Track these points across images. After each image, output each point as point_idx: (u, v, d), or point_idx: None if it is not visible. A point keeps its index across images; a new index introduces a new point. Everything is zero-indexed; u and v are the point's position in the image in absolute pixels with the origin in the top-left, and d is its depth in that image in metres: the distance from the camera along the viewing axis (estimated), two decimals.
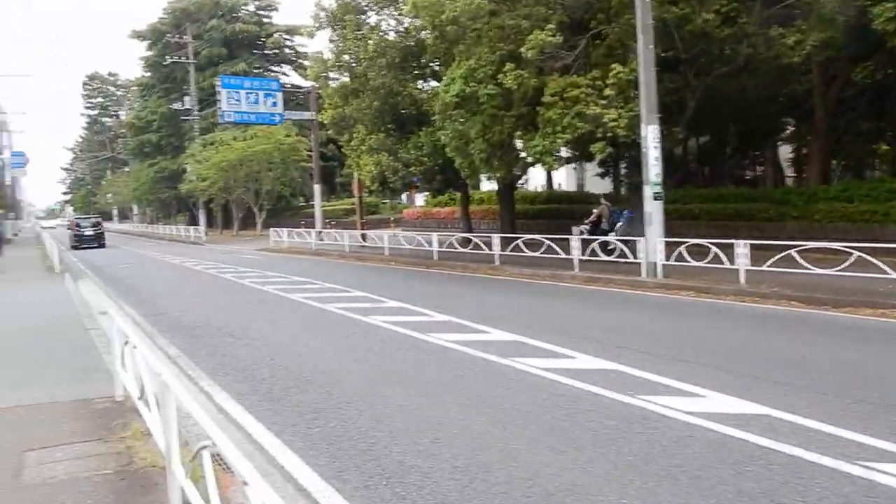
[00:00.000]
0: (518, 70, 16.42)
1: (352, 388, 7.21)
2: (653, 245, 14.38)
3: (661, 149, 14.58)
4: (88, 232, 41.25)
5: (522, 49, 15.86)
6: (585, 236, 17.72)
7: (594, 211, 19.36)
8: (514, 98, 17.47)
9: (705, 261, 13.98)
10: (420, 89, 25.13)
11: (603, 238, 17.57)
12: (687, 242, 14.49)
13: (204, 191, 45.98)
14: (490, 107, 17.67)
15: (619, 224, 18.27)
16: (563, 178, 42.36)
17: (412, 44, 22.97)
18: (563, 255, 17.31)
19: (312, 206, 37.92)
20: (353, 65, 23.49)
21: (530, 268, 17.49)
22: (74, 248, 39.61)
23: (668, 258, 14.43)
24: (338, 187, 55.55)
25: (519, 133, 18.86)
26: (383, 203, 49.57)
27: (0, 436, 5.57)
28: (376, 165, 24.36)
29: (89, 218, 46.53)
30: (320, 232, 31.65)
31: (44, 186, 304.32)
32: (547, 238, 18.21)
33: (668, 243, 14.56)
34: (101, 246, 40.86)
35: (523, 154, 21.11)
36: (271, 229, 35.65)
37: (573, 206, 26.52)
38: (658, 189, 14.40)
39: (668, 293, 13.23)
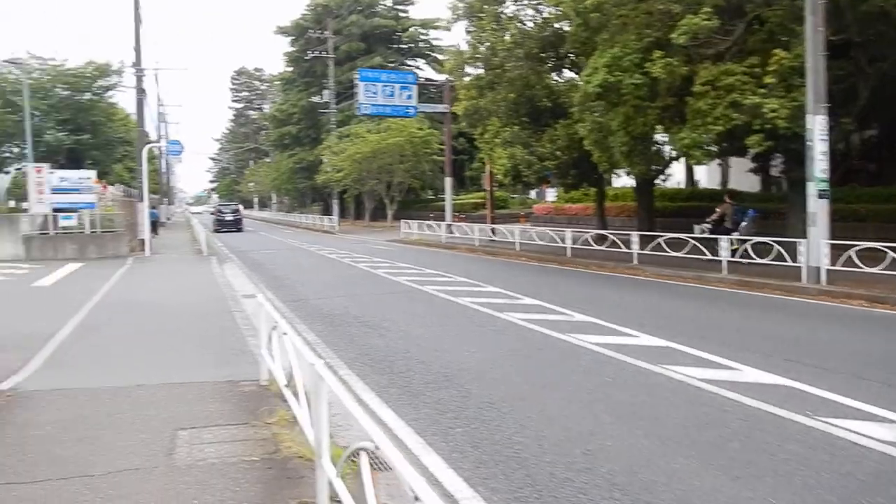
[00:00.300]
0: (667, 58, 15.53)
1: (492, 387, 6.89)
2: (816, 247, 13.15)
3: (828, 142, 13.31)
4: (228, 217, 45.91)
5: (673, 35, 14.95)
6: (707, 235, 17.23)
7: (716, 209, 18.81)
8: (660, 88, 16.57)
9: (879, 267, 12.64)
10: (557, 81, 24.55)
11: (725, 237, 16.81)
12: (858, 246, 13.11)
13: (338, 182, 47.33)
14: (634, 97, 16.84)
15: (742, 223, 17.46)
16: (704, 175, 40.27)
17: (550, 34, 22.41)
18: (709, 256, 16.31)
19: (441, 200, 38.11)
20: (490, 56, 23.20)
21: (671, 268, 16.57)
22: (216, 231, 43.30)
23: (832, 263, 13.18)
24: (467, 181, 55.66)
25: (663, 125, 17.94)
26: (512, 198, 49.17)
27: (155, 412, 5.68)
28: (510, 159, 24.01)
29: (230, 205, 51.60)
30: (450, 225, 31.69)
31: (194, 174, 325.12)
32: (691, 237, 17.25)
33: (831, 246, 13.29)
34: (239, 230, 44.83)
35: (666, 148, 20.14)
36: (402, 221, 36.12)
37: (715, 204, 25.02)
38: (824, 186, 13.15)
39: (833, 301, 12.05)
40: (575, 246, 21.20)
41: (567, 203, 36.52)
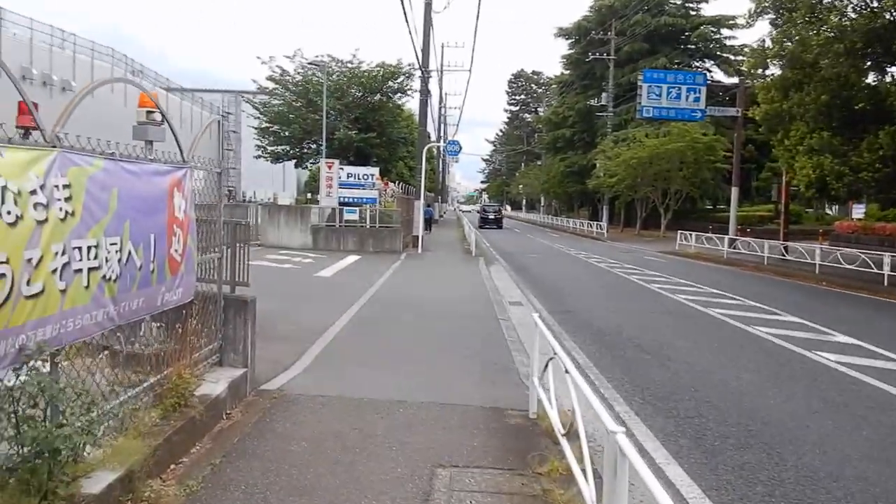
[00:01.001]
0: None
1: (815, 456, 5.49)
2: None
3: None
4: (491, 216, 56.87)
5: None
6: None
7: None
8: None
9: None
10: (883, 79, 21.06)
11: None
12: None
13: (610, 187, 45.96)
14: None
15: None
16: None
17: (879, 25, 19.18)
18: None
19: (721, 211, 35.12)
20: (800, 52, 20.49)
21: None
22: (480, 227, 50.41)
23: None
24: (753, 192, 51.06)
25: None
26: (806, 212, 44.05)
27: (414, 438, 5.20)
28: (815, 169, 21.02)
29: (493, 206, 64.67)
30: (734, 239, 28.96)
31: (467, 174, 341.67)
32: None
33: None
34: (499, 227, 54.70)
35: None
36: (679, 232, 33.87)
37: None
38: None
39: None
40: (893, 273, 17.98)
41: (879, 222, 31.61)
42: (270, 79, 32.83)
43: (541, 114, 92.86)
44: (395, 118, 34.56)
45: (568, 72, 66.04)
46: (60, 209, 3.44)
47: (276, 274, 16.02)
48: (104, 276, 3.84)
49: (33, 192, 3.24)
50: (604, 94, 51.48)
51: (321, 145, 29.70)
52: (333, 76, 33.10)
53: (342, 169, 25.57)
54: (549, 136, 67.87)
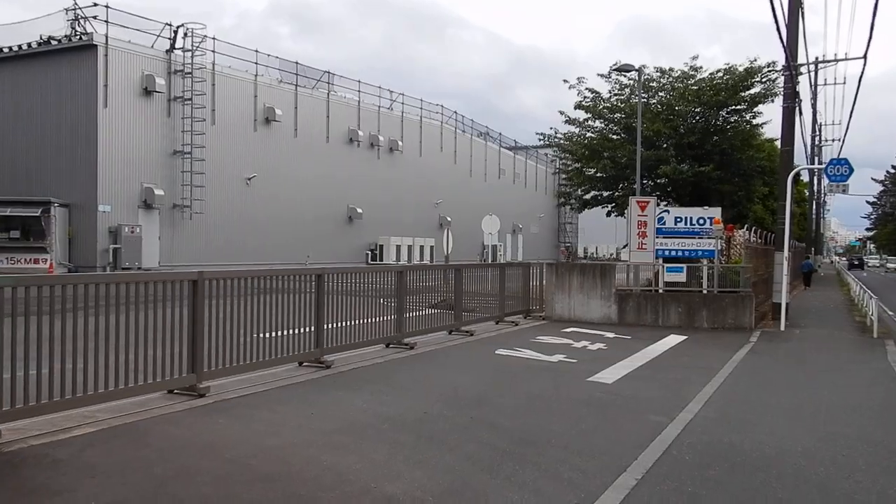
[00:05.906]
0: None
1: None
2: None
3: None
4: (855, 262, 79.12)
5: None
6: None
7: None
8: None
9: None
10: None
11: None
12: None
13: None
14: None
15: None
16: None
17: None
18: None
19: None
20: None
21: None
22: (848, 269, 66.06)
23: None
24: None
25: None
26: None
27: None
28: None
29: (857, 255, 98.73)
30: None
31: (846, 221, 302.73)
32: None
33: None
34: (861, 269, 74.31)
35: None
36: None
37: None
38: None
39: None
40: None
41: None
42: (580, 106, 27.35)
43: None
44: (744, 142, 26.56)
45: None
46: None
47: (521, 376, 10.19)
48: None
49: None
50: None
51: (642, 183, 23.47)
52: (660, 93, 26.66)
53: (667, 211, 19.09)
54: None
